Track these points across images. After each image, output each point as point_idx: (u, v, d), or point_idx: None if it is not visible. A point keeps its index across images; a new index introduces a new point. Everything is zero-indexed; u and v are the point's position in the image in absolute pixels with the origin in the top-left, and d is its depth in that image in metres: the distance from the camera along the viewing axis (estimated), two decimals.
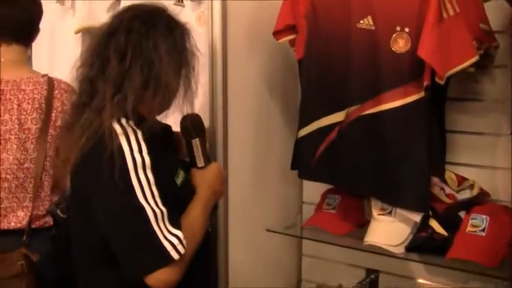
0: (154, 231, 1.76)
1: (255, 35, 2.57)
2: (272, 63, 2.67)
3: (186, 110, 2.05)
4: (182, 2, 2.72)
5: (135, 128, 1.86)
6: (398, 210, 2.28)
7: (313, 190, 2.71)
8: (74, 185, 1.95)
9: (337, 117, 2.36)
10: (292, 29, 2.47)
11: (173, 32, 1.96)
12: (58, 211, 2.22)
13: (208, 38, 2.40)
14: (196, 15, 2.66)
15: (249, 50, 2.56)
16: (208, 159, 2.12)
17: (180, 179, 1.99)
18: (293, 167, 2.56)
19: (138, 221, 1.77)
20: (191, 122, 2.11)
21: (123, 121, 1.86)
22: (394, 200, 2.29)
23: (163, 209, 1.79)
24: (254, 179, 2.66)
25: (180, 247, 1.78)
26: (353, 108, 2.30)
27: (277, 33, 2.49)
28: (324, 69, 2.39)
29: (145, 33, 1.90)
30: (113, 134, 1.80)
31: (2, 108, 2.46)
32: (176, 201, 1.88)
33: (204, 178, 2.05)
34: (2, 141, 2.47)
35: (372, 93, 2.26)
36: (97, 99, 1.88)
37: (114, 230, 1.81)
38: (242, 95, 2.52)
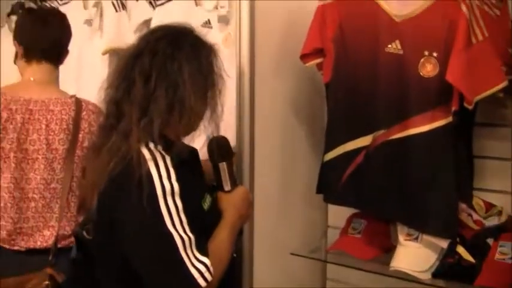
0: (182, 259, 1.75)
1: (282, 59, 2.56)
2: (299, 86, 2.67)
3: (212, 133, 2.03)
4: (210, 23, 2.74)
5: (163, 153, 1.84)
6: (425, 236, 2.26)
7: (338, 214, 2.69)
8: (101, 209, 1.93)
9: (364, 141, 2.35)
10: (319, 52, 2.47)
11: (199, 53, 1.94)
12: (84, 232, 2.21)
13: (236, 61, 2.39)
14: (223, 37, 2.67)
15: (276, 73, 2.55)
16: (235, 182, 2.10)
17: (207, 203, 1.98)
18: (319, 191, 2.55)
19: (166, 248, 1.76)
20: (218, 146, 2.08)
21: (151, 146, 1.84)
22: (420, 225, 2.27)
23: (191, 235, 1.78)
24: (279, 202, 2.64)
25: (207, 274, 1.77)
26: (380, 132, 2.29)
27: (304, 57, 2.49)
28: (351, 93, 2.38)
29: (170, 55, 1.88)
30: (142, 160, 1.79)
31: (31, 128, 2.49)
32: (203, 226, 1.87)
33: (230, 202, 2.03)
34: (29, 161, 2.49)
35: (399, 117, 2.25)
36: (124, 122, 1.87)
37: (142, 256, 1.80)
38: (269, 118, 2.51)
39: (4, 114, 2.46)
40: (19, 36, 2.64)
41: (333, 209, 2.84)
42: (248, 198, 2.11)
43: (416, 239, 2.29)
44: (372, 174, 2.33)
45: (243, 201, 2.07)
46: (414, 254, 2.29)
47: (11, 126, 2.46)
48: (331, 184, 2.45)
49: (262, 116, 2.45)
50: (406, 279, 2.28)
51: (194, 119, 1.95)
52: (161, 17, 2.79)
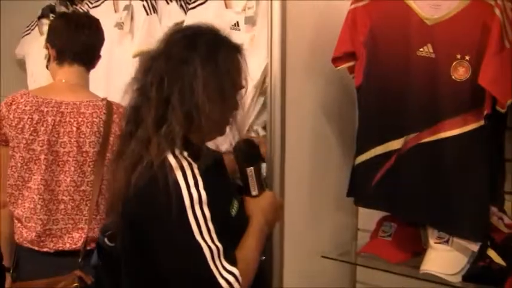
0: (211, 269, 1.74)
1: (312, 61, 2.55)
2: (329, 89, 2.66)
3: (233, 136, 2.02)
4: (238, 25, 2.74)
5: (190, 160, 1.81)
6: (456, 239, 2.25)
7: (369, 217, 2.68)
8: (126, 218, 1.90)
9: (395, 144, 2.34)
10: (350, 55, 2.46)
11: (216, 55, 1.87)
12: (105, 239, 2.19)
13: (268, 64, 2.39)
14: (249, 37, 2.67)
15: (306, 76, 2.54)
16: (262, 187, 2.08)
17: (234, 209, 1.97)
18: (349, 194, 2.54)
19: (194, 258, 1.75)
20: (244, 150, 2.07)
21: (177, 152, 1.81)
22: (451, 228, 2.26)
23: (220, 245, 1.77)
24: (310, 205, 2.63)
25: (236, 285, 1.76)
26: (411, 136, 2.28)
27: (335, 60, 2.47)
28: (382, 97, 2.37)
29: (184, 58, 1.84)
30: (168, 168, 1.76)
31: (62, 130, 2.50)
32: (231, 232, 1.86)
33: (258, 207, 2.01)
34: (60, 163, 2.50)
35: (430, 121, 2.24)
36: (141, 129, 1.84)
37: (170, 265, 1.79)
38: (299, 121, 2.50)
39: (35, 116, 2.48)
40: (52, 39, 2.66)
41: (363, 212, 2.82)
42: (275, 203, 2.09)
43: (446, 242, 2.28)
44: (403, 178, 2.32)
45: (270, 207, 2.05)
46: (445, 257, 2.27)
47: (42, 128, 2.48)
48: (362, 187, 2.45)
49: (293, 119, 2.43)
50: (436, 282, 2.27)
51: (212, 124, 1.90)
52: (193, 20, 2.78)
